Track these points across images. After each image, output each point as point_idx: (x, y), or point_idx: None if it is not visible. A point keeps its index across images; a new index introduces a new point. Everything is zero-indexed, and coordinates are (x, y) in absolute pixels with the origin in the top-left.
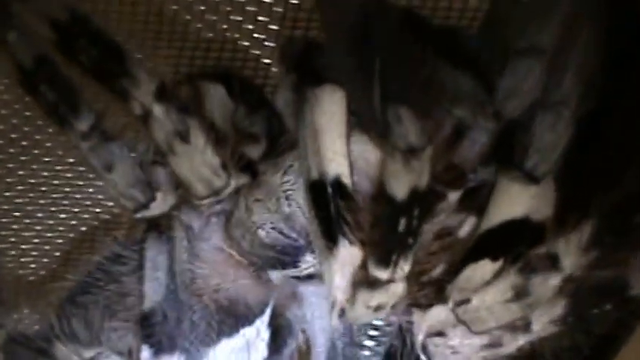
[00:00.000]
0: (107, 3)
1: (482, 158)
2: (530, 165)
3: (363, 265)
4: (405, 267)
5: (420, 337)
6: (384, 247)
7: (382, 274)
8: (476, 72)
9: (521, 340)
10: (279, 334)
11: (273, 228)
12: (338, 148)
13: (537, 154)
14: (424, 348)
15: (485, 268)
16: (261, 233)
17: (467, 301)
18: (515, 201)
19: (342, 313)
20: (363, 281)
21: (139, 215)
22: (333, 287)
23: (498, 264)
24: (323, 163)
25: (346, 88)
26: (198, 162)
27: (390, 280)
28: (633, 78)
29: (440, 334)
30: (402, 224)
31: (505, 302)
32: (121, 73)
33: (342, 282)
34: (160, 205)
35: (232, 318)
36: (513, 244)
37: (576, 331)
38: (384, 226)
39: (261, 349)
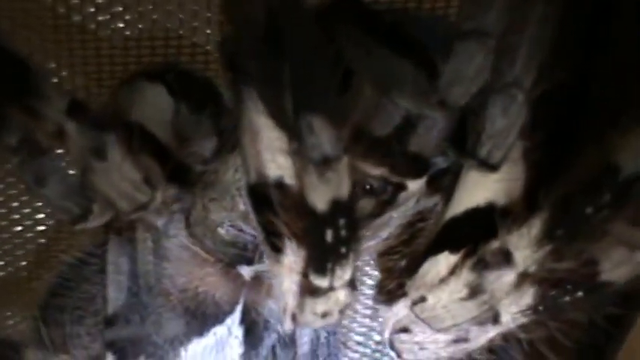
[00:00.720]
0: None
1: (442, 145)
2: (484, 152)
3: (305, 273)
4: (344, 275)
5: (386, 334)
6: (316, 257)
7: (321, 282)
8: (419, 59)
9: (491, 333)
10: (253, 331)
11: (231, 226)
12: (277, 149)
13: (490, 140)
14: (391, 344)
15: (441, 263)
16: (221, 231)
17: (423, 299)
18: (479, 187)
19: (294, 318)
20: (306, 289)
21: (78, 227)
22: (283, 292)
23: (453, 259)
24: (262, 165)
25: (259, 95)
26: (117, 178)
27: (331, 288)
28: (588, 57)
29: (405, 330)
30: (330, 235)
31: (460, 300)
32: (29, 92)
33: (292, 287)
34: (97, 218)
35: (201, 317)
36: (477, 233)
37: (550, 320)
38: (311, 237)
39: (236, 346)
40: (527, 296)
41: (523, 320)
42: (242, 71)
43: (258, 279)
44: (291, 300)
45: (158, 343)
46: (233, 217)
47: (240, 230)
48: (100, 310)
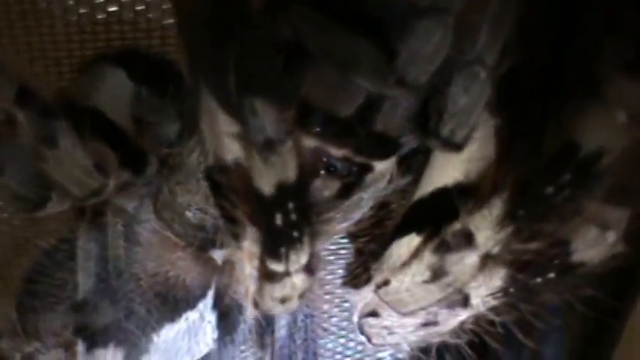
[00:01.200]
0: None
1: (407, 125)
2: (446, 131)
3: (262, 258)
4: (299, 260)
5: (355, 318)
6: (269, 241)
7: (277, 267)
8: (377, 38)
9: (461, 316)
10: (227, 316)
11: (198, 209)
12: (228, 132)
13: (453, 119)
14: (361, 328)
15: (406, 245)
16: (188, 215)
17: (387, 282)
18: (448, 167)
19: (255, 303)
20: (264, 274)
21: (39, 214)
22: (245, 277)
23: (416, 242)
24: (220, 148)
25: (205, 77)
26: (69, 165)
27: (287, 273)
28: (555, 33)
29: (374, 314)
30: (279, 219)
31: (423, 283)
32: None
33: (253, 272)
34: (56, 205)
35: (172, 302)
36: (444, 215)
37: (522, 303)
38: (261, 222)
39: (209, 331)
40: (497, 278)
41: (494, 303)
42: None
43: (230, 263)
44: (252, 285)
45: (129, 329)
46: (199, 201)
47: (208, 213)
48: (71, 296)
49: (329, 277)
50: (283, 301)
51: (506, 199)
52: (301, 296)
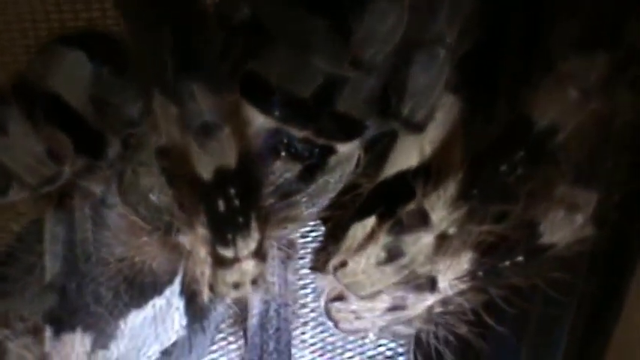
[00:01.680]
0: None
1: (370, 106)
2: (406, 112)
3: (212, 244)
4: (247, 246)
5: (322, 302)
6: (214, 227)
7: (226, 252)
8: (334, 17)
9: (429, 300)
10: (196, 303)
11: (162, 192)
12: (174, 114)
13: (413, 99)
14: (328, 313)
15: (363, 227)
16: (152, 198)
17: (344, 264)
18: (413, 149)
19: (211, 288)
20: (215, 259)
21: (3, 200)
22: (201, 262)
23: (373, 223)
24: (164, 130)
25: (144, 60)
26: (20, 152)
27: (236, 259)
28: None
29: (340, 298)
30: (221, 205)
31: (378, 264)
32: None
33: (207, 257)
34: (18, 192)
35: (139, 288)
36: (402, 196)
37: (491, 287)
38: (204, 208)
39: (177, 318)
40: (464, 261)
41: (462, 287)
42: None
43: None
44: (207, 269)
45: (97, 314)
46: (162, 183)
47: (170, 197)
48: (39, 280)
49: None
50: (236, 286)
51: (460, 178)
52: (254, 282)
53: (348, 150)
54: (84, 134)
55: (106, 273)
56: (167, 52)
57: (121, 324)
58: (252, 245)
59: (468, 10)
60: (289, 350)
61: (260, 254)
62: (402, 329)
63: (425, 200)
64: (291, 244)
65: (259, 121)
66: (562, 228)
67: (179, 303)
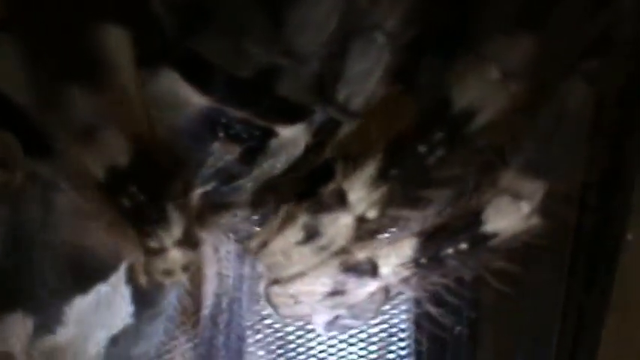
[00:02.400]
0: None
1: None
2: (342, 98)
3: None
4: (171, 235)
5: (261, 287)
6: (131, 220)
7: (150, 243)
8: (269, 4)
9: (370, 286)
10: (143, 290)
11: None
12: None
13: (349, 85)
14: (268, 298)
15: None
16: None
17: (265, 244)
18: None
19: (147, 273)
20: (145, 248)
21: None
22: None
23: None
24: None
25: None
26: None
27: (163, 249)
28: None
29: (279, 281)
30: (126, 202)
31: (297, 245)
32: None
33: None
34: None
35: (84, 272)
36: (325, 177)
37: (432, 275)
38: (111, 203)
39: (124, 306)
40: (408, 247)
41: (405, 273)
42: None
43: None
44: (141, 257)
45: (41, 298)
46: None
47: None
48: None
49: None
50: (167, 273)
51: (380, 158)
52: (185, 269)
53: (292, 133)
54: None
55: (51, 256)
56: (45, 58)
57: (66, 309)
58: (177, 233)
59: None
60: (240, 347)
61: (188, 242)
62: (350, 322)
63: (344, 180)
64: (196, 230)
65: (196, 101)
66: (506, 216)
67: (125, 291)
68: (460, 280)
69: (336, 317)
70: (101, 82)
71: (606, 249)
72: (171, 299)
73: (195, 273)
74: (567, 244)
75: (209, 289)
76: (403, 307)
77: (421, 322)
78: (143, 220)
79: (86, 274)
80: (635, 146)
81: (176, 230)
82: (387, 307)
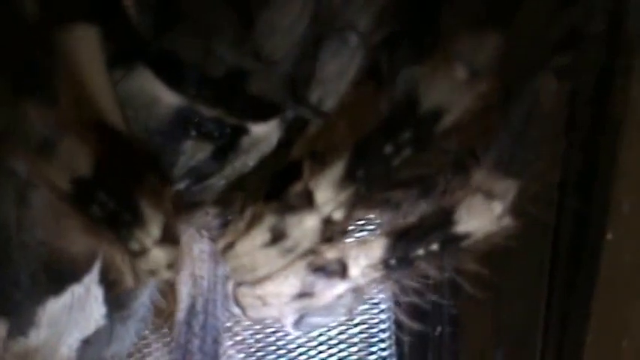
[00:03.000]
0: None
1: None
2: (314, 98)
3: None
4: (150, 235)
5: (229, 288)
6: (106, 225)
7: (131, 245)
8: (238, 6)
9: (339, 288)
10: (116, 292)
11: None
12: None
13: (321, 86)
14: (235, 299)
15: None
16: None
17: (231, 245)
18: None
19: (135, 274)
20: (127, 250)
21: None
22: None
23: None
24: None
25: None
26: None
27: (145, 249)
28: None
29: (246, 282)
30: (96, 210)
31: (263, 247)
32: None
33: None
34: None
35: (57, 273)
36: (292, 177)
37: (403, 277)
38: (82, 212)
39: (96, 307)
40: (378, 248)
41: (374, 275)
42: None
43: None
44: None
45: (13, 301)
46: None
47: None
48: None
49: None
50: (153, 273)
51: (347, 158)
52: (170, 267)
53: (264, 131)
54: None
55: (25, 257)
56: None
57: (39, 310)
58: (156, 231)
59: None
60: (216, 350)
61: (169, 239)
62: (318, 320)
63: (311, 180)
64: (176, 226)
65: (168, 99)
66: (478, 217)
67: (97, 291)
68: (438, 284)
69: (303, 315)
70: (56, 94)
71: (586, 250)
72: (144, 300)
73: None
74: (547, 247)
75: (183, 290)
76: (383, 307)
77: (402, 322)
78: (119, 226)
79: (60, 274)
80: (610, 143)
81: (154, 229)
82: (367, 307)
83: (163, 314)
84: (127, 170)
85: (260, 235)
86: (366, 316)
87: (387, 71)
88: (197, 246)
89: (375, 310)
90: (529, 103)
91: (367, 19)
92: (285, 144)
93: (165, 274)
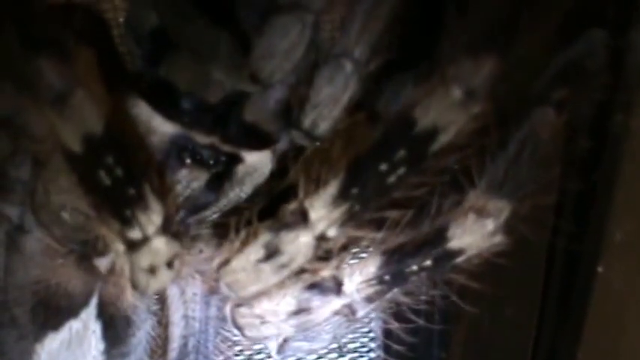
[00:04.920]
0: None
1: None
2: (307, 123)
3: (120, 229)
4: (151, 219)
5: (227, 309)
6: (107, 205)
7: (132, 233)
8: (237, 31)
9: (335, 304)
10: (114, 327)
11: (74, 209)
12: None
13: (315, 110)
14: (234, 320)
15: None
16: (65, 215)
17: (227, 262)
18: None
19: (134, 285)
20: (126, 244)
21: None
22: (120, 257)
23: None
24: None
25: None
26: None
27: (146, 239)
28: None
29: (243, 302)
30: (104, 177)
31: (257, 263)
32: None
33: (120, 247)
34: None
35: (55, 310)
36: (287, 195)
37: (396, 292)
38: (85, 183)
39: (94, 342)
40: (373, 265)
41: (369, 291)
42: None
43: (114, 271)
44: (126, 265)
45: (10, 340)
46: (73, 199)
47: (82, 213)
48: None
49: None
50: (152, 271)
51: (341, 177)
52: (170, 265)
53: (258, 161)
54: None
55: (20, 297)
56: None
57: (38, 348)
58: (157, 219)
59: (379, 27)
60: None
61: (169, 230)
62: (304, 345)
63: (306, 199)
64: (174, 217)
65: (163, 128)
66: (471, 233)
67: (95, 326)
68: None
69: (286, 340)
70: (68, 48)
71: (578, 283)
72: (141, 338)
73: (162, 315)
74: (539, 280)
75: (175, 331)
76: (372, 316)
77: (390, 334)
78: (122, 202)
79: (57, 310)
80: (607, 177)
81: (156, 216)
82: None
83: (156, 354)
84: (132, 138)
85: (254, 251)
86: (356, 326)
87: (383, 97)
88: (189, 288)
89: (365, 320)
90: (526, 132)
91: (363, 47)
92: (277, 175)
93: (165, 276)
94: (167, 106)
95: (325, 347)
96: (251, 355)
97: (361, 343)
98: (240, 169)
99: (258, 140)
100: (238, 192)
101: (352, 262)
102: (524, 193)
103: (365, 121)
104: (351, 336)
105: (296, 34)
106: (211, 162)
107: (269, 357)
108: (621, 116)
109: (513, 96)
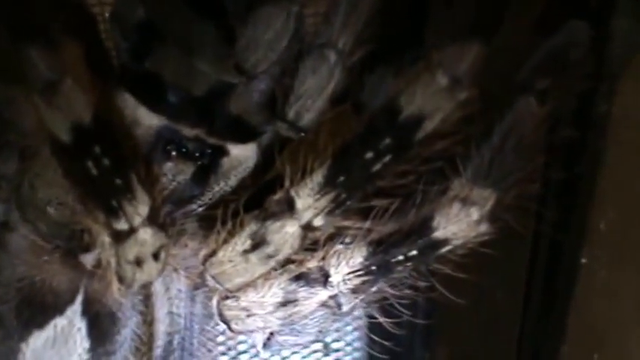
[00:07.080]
0: None
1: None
2: (292, 114)
3: (106, 220)
4: (138, 210)
5: (213, 303)
6: (94, 195)
7: (119, 224)
8: (222, 23)
9: (321, 295)
10: (99, 324)
11: (60, 204)
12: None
13: (299, 101)
14: (220, 314)
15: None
16: (50, 211)
17: (213, 253)
18: None
19: (120, 279)
20: (112, 236)
21: None
22: (106, 250)
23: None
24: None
25: None
26: None
27: (132, 229)
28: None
29: (229, 295)
30: (91, 167)
31: (244, 253)
32: None
33: (107, 239)
34: None
35: (40, 308)
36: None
37: (382, 285)
38: (72, 174)
39: (79, 339)
40: (359, 255)
41: (355, 282)
42: None
43: (100, 266)
44: (112, 258)
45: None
46: (60, 194)
47: (68, 208)
48: None
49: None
50: (139, 263)
51: (327, 166)
52: (156, 256)
53: (243, 154)
54: None
55: (5, 294)
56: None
57: (23, 346)
58: (143, 210)
59: (363, 17)
60: None
61: (155, 221)
62: (289, 339)
63: (292, 187)
64: (161, 209)
65: (149, 121)
66: (456, 222)
67: (81, 324)
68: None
69: (272, 334)
70: (57, 37)
71: (562, 272)
72: (126, 336)
73: (147, 313)
74: (523, 271)
75: (160, 328)
76: (356, 314)
77: (374, 332)
78: (108, 192)
79: (43, 307)
80: (590, 166)
81: (142, 206)
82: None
83: (140, 352)
84: (119, 128)
85: (241, 242)
86: (339, 325)
87: (367, 87)
88: (174, 284)
89: (348, 319)
90: (510, 121)
91: (346, 37)
92: (263, 168)
93: (152, 269)
94: (153, 99)
95: (310, 347)
96: (237, 354)
97: (346, 342)
98: (226, 162)
99: (244, 133)
100: (223, 185)
101: (338, 253)
102: (509, 182)
103: (350, 111)
104: (335, 335)
105: (280, 25)
106: (197, 154)
107: (255, 357)
108: (604, 105)
109: (498, 84)
